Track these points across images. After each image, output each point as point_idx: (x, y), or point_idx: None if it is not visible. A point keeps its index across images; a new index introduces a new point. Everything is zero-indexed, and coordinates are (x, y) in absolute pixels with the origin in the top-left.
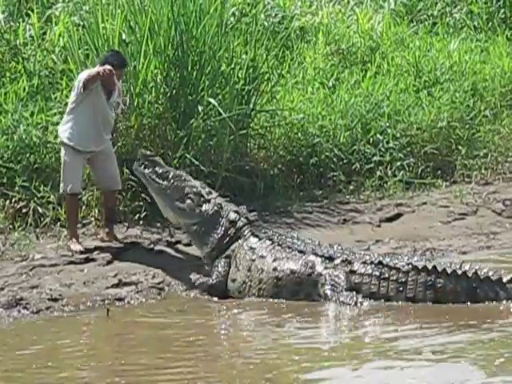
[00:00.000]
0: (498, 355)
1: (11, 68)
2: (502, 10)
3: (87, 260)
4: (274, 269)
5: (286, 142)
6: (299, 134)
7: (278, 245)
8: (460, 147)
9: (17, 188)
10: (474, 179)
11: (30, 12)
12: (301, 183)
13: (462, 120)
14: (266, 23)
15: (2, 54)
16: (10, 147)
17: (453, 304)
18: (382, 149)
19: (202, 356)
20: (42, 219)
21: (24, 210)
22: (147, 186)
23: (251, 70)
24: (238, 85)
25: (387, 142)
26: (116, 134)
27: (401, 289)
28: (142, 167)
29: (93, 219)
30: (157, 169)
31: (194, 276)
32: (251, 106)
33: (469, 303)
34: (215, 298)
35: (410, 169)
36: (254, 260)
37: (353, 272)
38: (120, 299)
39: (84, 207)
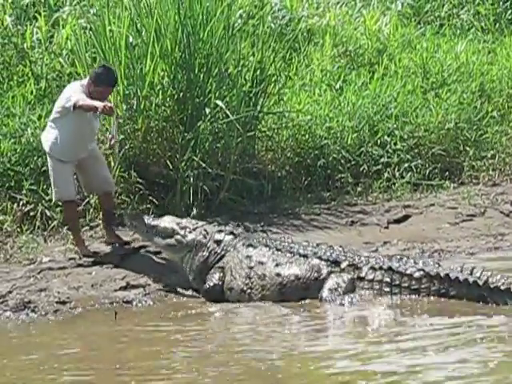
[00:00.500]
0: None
1: (19, 71)
2: (510, 11)
3: (95, 263)
4: (277, 274)
5: (293, 144)
6: (307, 136)
7: (277, 250)
8: (468, 148)
9: (24, 191)
10: (481, 180)
11: (37, 15)
12: (308, 185)
13: (469, 121)
14: (273, 25)
15: (9, 57)
16: (18, 150)
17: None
18: (390, 150)
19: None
20: (50, 222)
21: (32, 213)
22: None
23: (258, 72)
24: (245, 87)
25: (395, 144)
26: (118, 138)
27: (413, 297)
28: (134, 226)
29: (100, 222)
30: (146, 221)
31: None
32: (258, 108)
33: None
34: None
35: (418, 170)
36: (252, 267)
37: (361, 279)
38: (128, 302)
39: (91, 210)
